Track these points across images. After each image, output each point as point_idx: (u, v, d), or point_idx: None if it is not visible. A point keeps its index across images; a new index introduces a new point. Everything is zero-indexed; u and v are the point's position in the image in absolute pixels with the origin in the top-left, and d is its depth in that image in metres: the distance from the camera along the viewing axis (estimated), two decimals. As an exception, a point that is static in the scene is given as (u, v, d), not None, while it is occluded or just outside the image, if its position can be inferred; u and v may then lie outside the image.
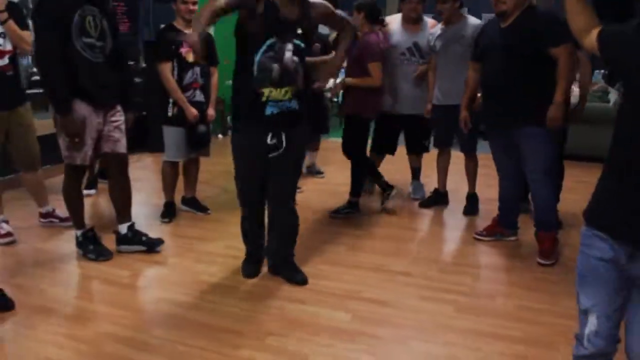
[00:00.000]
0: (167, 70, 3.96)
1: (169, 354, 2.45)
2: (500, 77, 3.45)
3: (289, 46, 2.77)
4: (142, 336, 2.60)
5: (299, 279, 3.13)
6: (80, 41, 3.11)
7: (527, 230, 3.84)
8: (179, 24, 4.01)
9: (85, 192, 4.88)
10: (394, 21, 4.47)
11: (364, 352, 2.49)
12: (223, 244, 3.75)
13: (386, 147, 4.66)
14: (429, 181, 4.96)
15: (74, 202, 3.51)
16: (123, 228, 3.56)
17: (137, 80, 7.12)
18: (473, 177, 4.44)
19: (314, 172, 5.60)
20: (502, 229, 3.90)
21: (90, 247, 3.48)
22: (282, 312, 2.83)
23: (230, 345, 2.52)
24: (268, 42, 2.73)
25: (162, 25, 4.21)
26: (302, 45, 2.84)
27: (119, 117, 3.44)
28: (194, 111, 3.99)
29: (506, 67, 3.39)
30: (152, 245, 3.57)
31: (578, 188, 4.97)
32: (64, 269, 3.37)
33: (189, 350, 2.48)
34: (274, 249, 3.22)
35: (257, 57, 2.75)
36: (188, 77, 4.01)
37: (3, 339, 2.58)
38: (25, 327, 2.67)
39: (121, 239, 3.57)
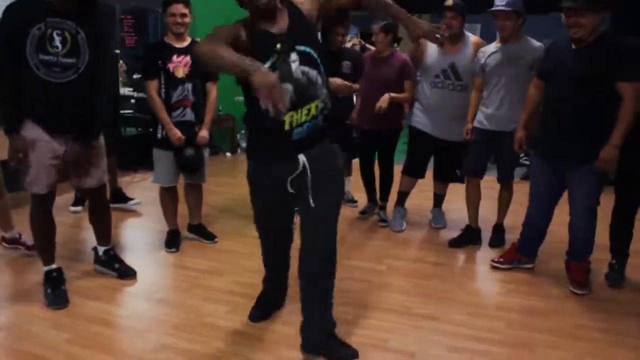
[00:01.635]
0: (152, 88, 3.68)
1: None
2: (566, 104, 3.19)
3: (293, 57, 2.29)
4: (141, 393, 2.31)
5: (349, 355, 2.56)
6: (36, 58, 2.78)
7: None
8: (169, 38, 3.74)
9: (71, 209, 4.69)
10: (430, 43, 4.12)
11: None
12: (232, 280, 3.45)
13: (418, 169, 4.39)
14: (451, 210, 4.67)
15: (38, 234, 3.13)
16: (100, 250, 3.47)
17: (141, 95, 6.92)
18: (506, 208, 4.14)
19: (346, 200, 5.12)
20: (521, 256, 3.70)
21: (48, 290, 3.09)
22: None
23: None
24: (267, 64, 2.21)
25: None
26: (308, 49, 2.32)
27: (83, 147, 3.09)
28: (177, 133, 3.67)
29: (574, 95, 3.15)
30: (123, 274, 3.43)
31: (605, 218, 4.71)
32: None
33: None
34: (309, 322, 2.59)
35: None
36: (177, 94, 3.70)
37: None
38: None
39: (96, 259, 3.51)
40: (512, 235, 3.93)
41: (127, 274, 3.43)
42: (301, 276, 2.49)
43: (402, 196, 4.53)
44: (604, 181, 3.29)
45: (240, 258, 3.79)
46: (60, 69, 2.86)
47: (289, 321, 2.87)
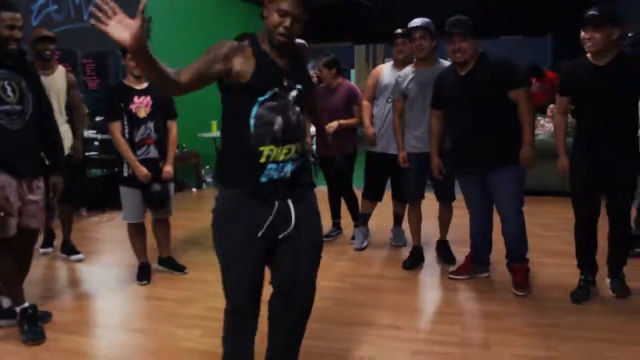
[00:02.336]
0: (116, 129, 3.86)
1: None
2: (469, 124, 3.58)
3: (293, 93, 2.24)
4: (123, 414, 2.44)
5: None
6: None
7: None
8: (129, 81, 3.95)
9: (41, 250, 4.75)
10: (384, 66, 4.65)
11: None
12: (203, 306, 3.60)
13: (376, 192, 4.64)
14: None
15: (9, 276, 3.19)
16: (6, 301, 3.32)
17: (105, 137, 7.05)
18: (447, 225, 4.37)
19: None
20: (474, 266, 3.96)
21: (25, 327, 3.15)
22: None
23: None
24: (269, 93, 2.18)
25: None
26: (302, 89, 2.29)
27: (37, 190, 3.21)
28: (143, 170, 3.83)
29: (473, 114, 3.54)
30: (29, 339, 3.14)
31: (556, 225, 5.03)
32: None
33: None
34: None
35: (255, 109, 2.17)
36: (140, 133, 3.89)
37: None
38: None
39: (3, 313, 3.34)
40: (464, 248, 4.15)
41: (35, 338, 3.13)
42: (277, 328, 2.41)
43: (363, 218, 4.76)
44: (522, 184, 3.63)
45: (209, 286, 3.93)
46: (16, 117, 3.06)
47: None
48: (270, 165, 2.18)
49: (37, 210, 3.21)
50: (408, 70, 4.15)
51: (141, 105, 3.89)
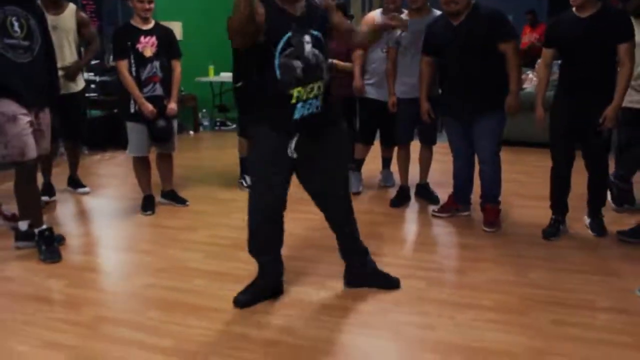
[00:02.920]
0: (123, 67, 4.07)
1: (164, 333, 2.61)
2: (461, 70, 3.79)
3: (307, 38, 2.57)
4: (137, 318, 2.76)
5: (394, 283, 3.07)
6: (2, 42, 3.19)
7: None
8: (136, 21, 4.14)
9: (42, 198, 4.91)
10: (375, 13, 4.58)
11: (346, 324, 2.71)
12: (207, 233, 3.91)
13: (368, 137, 4.81)
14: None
15: (25, 199, 3.47)
16: (24, 225, 3.55)
17: (103, 78, 7.24)
18: (427, 167, 4.63)
19: None
20: (456, 204, 4.25)
21: (43, 247, 3.46)
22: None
23: (222, 322, 2.70)
24: (282, 40, 2.52)
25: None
26: (319, 35, 2.62)
27: (41, 118, 3.49)
28: (149, 107, 4.06)
29: (465, 62, 3.74)
30: (47, 258, 3.44)
31: (536, 172, 5.33)
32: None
33: (183, 329, 2.65)
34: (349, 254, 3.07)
35: (277, 60, 2.54)
36: (147, 71, 4.11)
37: (4, 326, 2.71)
38: (23, 315, 2.80)
39: (21, 235, 3.59)
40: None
41: (53, 256, 3.45)
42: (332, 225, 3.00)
43: (358, 163, 4.97)
44: (501, 131, 3.90)
45: (211, 216, 4.25)
46: (22, 51, 3.29)
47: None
48: (300, 105, 2.58)
49: (41, 138, 3.47)
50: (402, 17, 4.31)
51: (147, 45, 4.09)
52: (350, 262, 3.08)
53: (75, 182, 4.94)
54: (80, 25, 4.58)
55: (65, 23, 4.48)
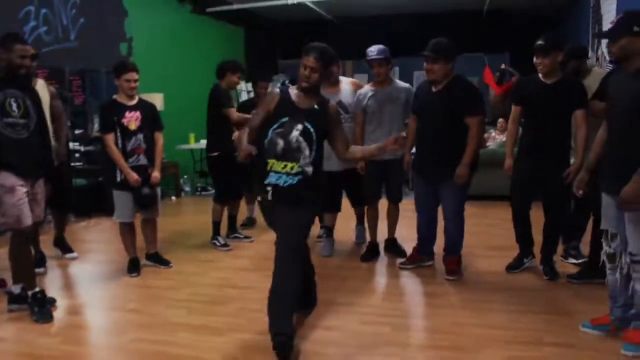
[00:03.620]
0: (110, 140, 4.42)
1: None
2: (433, 134, 4.17)
3: (299, 126, 3.17)
4: (127, 369, 3.01)
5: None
6: (2, 121, 3.55)
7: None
8: (121, 98, 4.52)
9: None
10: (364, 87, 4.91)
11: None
12: (188, 292, 4.18)
13: (333, 204, 5.07)
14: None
15: (20, 264, 3.71)
16: (17, 288, 3.76)
17: (88, 149, 7.57)
18: (395, 224, 4.95)
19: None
20: (421, 256, 4.58)
21: (36, 309, 3.68)
22: (244, 340, 3.29)
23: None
24: (281, 120, 3.18)
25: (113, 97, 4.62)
26: (312, 130, 3.18)
27: (37, 189, 3.81)
28: (134, 176, 4.39)
29: (438, 126, 4.12)
30: (40, 319, 3.64)
31: (500, 224, 5.70)
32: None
33: (169, 377, 2.91)
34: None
35: (270, 134, 3.18)
36: (132, 144, 4.46)
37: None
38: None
39: (14, 299, 3.78)
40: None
41: (45, 317, 3.65)
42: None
43: (328, 230, 5.24)
44: (466, 192, 4.26)
45: (192, 276, 4.53)
46: (20, 128, 3.65)
47: (239, 315, 3.63)
48: (272, 174, 3.18)
49: (34, 206, 3.77)
50: (367, 89, 4.75)
51: (132, 119, 4.46)
52: None
53: (63, 247, 5.15)
54: (51, 98, 4.71)
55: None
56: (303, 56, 3.23)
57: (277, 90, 3.34)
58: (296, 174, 3.15)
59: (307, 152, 3.17)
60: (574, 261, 4.52)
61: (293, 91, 3.31)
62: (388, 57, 4.59)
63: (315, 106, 3.26)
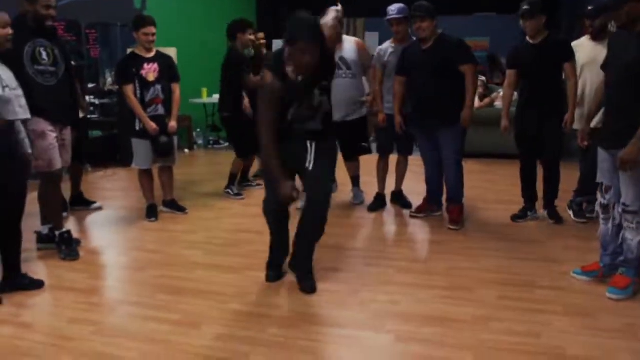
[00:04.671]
0: (129, 91, 4.62)
1: (173, 310, 3.13)
2: (427, 88, 4.39)
3: (316, 92, 3.25)
4: (150, 300, 3.28)
5: (307, 287, 3.38)
6: (32, 68, 3.73)
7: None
8: (139, 50, 4.70)
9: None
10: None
11: (323, 301, 3.24)
12: (204, 235, 4.45)
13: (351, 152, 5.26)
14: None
15: (49, 205, 4.00)
16: (45, 229, 4.07)
17: (103, 101, 7.75)
18: (402, 176, 5.16)
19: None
20: (430, 206, 4.83)
21: (63, 247, 3.97)
22: (257, 277, 3.55)
23: (221, 302, 3.23)
24: (295, 105, 3.21)
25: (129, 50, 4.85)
26: (325, 83, 3.31)
27: (65, 135, 4.02)
28: (152, 125, 4.61)
29: (430, 81, 4.35)
30: (67, 256, 3.93)
31: (500, 180, 5.91)
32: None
33: (189, 307, 3.17)
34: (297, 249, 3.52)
35: (292, 110, 3.22)
36: (150, 94, 4.67)
37: (39, 310, 3.22)
38: (54, 300, 3.33)
39: (42, 238, 4.09)
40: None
41: (71, 254, 3.94)
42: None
43: (355, 180, 5.40)
44: (463, 140, 4.50)
45: (207, 221, 4.79)
46: (49, 75, 3.84)
47: (251, 255, 3.89)
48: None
49: (62, 151, 3.98)
50: (387, 45, 4.92)
51: (150, 71, 4.65)
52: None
53: (83, 200, 5.28)
54: None
55: None
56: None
57: (270, 77, 3.16)
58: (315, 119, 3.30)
59: (326, 103, 3.32)
60: (571, 214, 4.73)
61: (288, 68, 3.14)
62: (407, 16, 4.70)
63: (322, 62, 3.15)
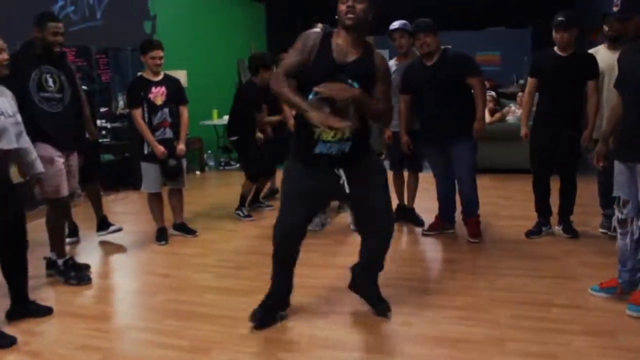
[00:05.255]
0: (138, 115, 4.63)
1: (181, 336, 3.09)
2: (436, 105, 4.35)
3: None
4: (158, 325, 3.24)
5: (380, 310, 3.24)
6: (38, 95, 3.73)
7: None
8: (147, 74, 4.71)
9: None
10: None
11: (336, 323, 3.19)
12: (214, 258, 4.41)
13: None
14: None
15: (59, 232, 4.00)
16: (54, 255, 4.01)
17: (115, 125, 7.79)
18: (414, 193, 5.12)
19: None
20: (442, 223, 4.77)
21: (72, 274, 3.94)
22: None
23: (230, 326, 3.18)
24: (322, 82, 2.71)
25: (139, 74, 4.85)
26: (356, 85, 2.77)
27: (72, 161, 4.00)
28: (161, 149, 4.62)
29: (438, 97, 4.31)
30: (80, 280, 3.91)
31: (515, 196, 5.84)
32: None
33: (197, 332, 3.13)
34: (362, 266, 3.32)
35: (310, 96, 2.76)
36: (158, 117, 4.67)
37: (47, 337, 3.19)
38: (61, 327, 3.29)
39: (52, 264, 4.02)
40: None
41: (84, 279, 3.93)
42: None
43: None
44: (474, 153, 4.45)
45: (219, 244, 4.76)
46: (55, 102, 3.84)
47: (261, 279, 3.84)
48: (320, 143, 2.81)
49: (71, 177, 3.99)
50: (392, 63, 4.88)
51: (158, 94, 4.66)
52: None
53: (106, 224, 5.11)
54: None
55: None
56: None
57: (317, 30, 2.85)
58: (347, 140, 2.82)
59: (352, 110, 2.78)
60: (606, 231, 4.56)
61: (335, 40, 2.82)
62: (408, 29, 4.69)
63: (359, 56, 2.81)
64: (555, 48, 4.32)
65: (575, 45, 4.30)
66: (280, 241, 3.09)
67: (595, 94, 4.24)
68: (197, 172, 8.52)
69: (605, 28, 4.20)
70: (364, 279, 3.33)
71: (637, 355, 2.73)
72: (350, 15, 2.70)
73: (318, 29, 2.97)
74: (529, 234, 4.62)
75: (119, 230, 5.10)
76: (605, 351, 2.77)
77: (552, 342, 2.87)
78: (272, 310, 3.19)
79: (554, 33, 4.27)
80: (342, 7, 2.72)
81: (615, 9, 3.31)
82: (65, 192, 3.88)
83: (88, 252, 4.69)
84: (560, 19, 4.22)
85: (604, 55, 4.34)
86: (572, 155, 4.41)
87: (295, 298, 3.41)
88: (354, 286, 3.38)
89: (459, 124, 4.34)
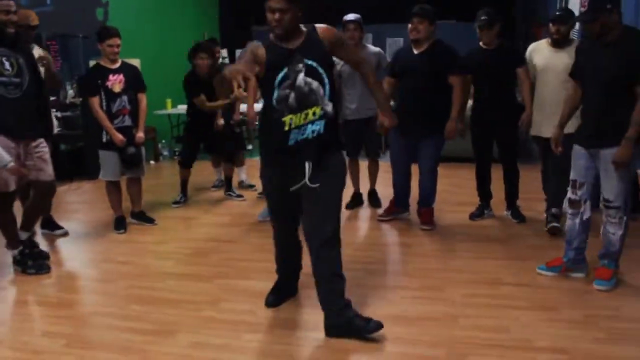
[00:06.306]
0: (95, 103, 4.59)
1: (145, 320, 3.14)
2: (415, 93, 4.44)
3: (299, 66, 2.77)
4: (121, 311, 3.27)
5: (372, 327, 2.87)
6: None
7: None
8: (104, 62, 4.67)
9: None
10: None
11: (296, 306, 3.30)
12: (174, 245, 4.44)
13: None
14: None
15: (11, 225, 3.85)
16: (23, 235, 3.95)
17: (66, 114, 7.63)
18: (375, 177, 5.34)
19: (245, 186, 6.25)
20: (397, 208, 4.92)
21: (29, 262, 3.86)
22: (228, 284, 3.58)
23: (193, 310, 3.24)
24: (281, 74, 2.76)
25: (95, 61, 4.81)
26: (315, 64, 2.78)
27: (41, 148, 3.83)
28: (119, 136, 4.59)
29: (420, 85, 4.39)
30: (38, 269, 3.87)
31: (464, 184, 6.04)
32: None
33: (161, 316, 3.18)
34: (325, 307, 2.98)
35: (275, 92, 2.79)
36: (117, 105, 4.65)
37: (9, 326, 3.17)
38: (25, 315, 3.28)
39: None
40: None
41: (42, 268, 3.87)
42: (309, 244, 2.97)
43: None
44: (441, 149, 4.59)
45: (178, 232, 4.79)
46: (13, 87, 3.67)
47: (222, 263, 3.90)
48: (294, 131, 2.79)
49: (42, 165, 3.85)
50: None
51: (115, 82, 4.63)
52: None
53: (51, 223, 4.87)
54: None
55: None
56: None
57: (256, 42, 2.87)
58: (320, 118, 2.80)
59: (321, 91, 2.80)
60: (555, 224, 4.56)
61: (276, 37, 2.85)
62: (360, 22, 4.81)
63: (304, 39, 2.83)
64: (481, 43, 4.57)
65: (499, 39, 4.52)
66: (277, 241, 3.26)
67: (527, 79, 4.44)
68: (152, 162, 8.44)
69: (552, 29, 4.30)
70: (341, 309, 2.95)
71: (578, 325, 2.95)
72: (278, 26, 2.76)
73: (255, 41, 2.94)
74: (472, 216, 4.89)
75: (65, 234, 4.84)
76: (551, 323, 2.97)
77: (503, 316, 3.06)
78: (282, 296, 3.33)
79: (478, 32, 4.50)
80: (270, 18, 2.76)
81: (582, 9, 3.49)
82: (12, 186, 3.69)
83: (46, 241, 4.63)
84: (483, 18, 4.44)
85: (546, 51, 4.42)
86: (511, 145, 4.67)
87: (257, 283, 3.51)
88: (331, 329, 2.94)
89: (432, 118, 4.41)
